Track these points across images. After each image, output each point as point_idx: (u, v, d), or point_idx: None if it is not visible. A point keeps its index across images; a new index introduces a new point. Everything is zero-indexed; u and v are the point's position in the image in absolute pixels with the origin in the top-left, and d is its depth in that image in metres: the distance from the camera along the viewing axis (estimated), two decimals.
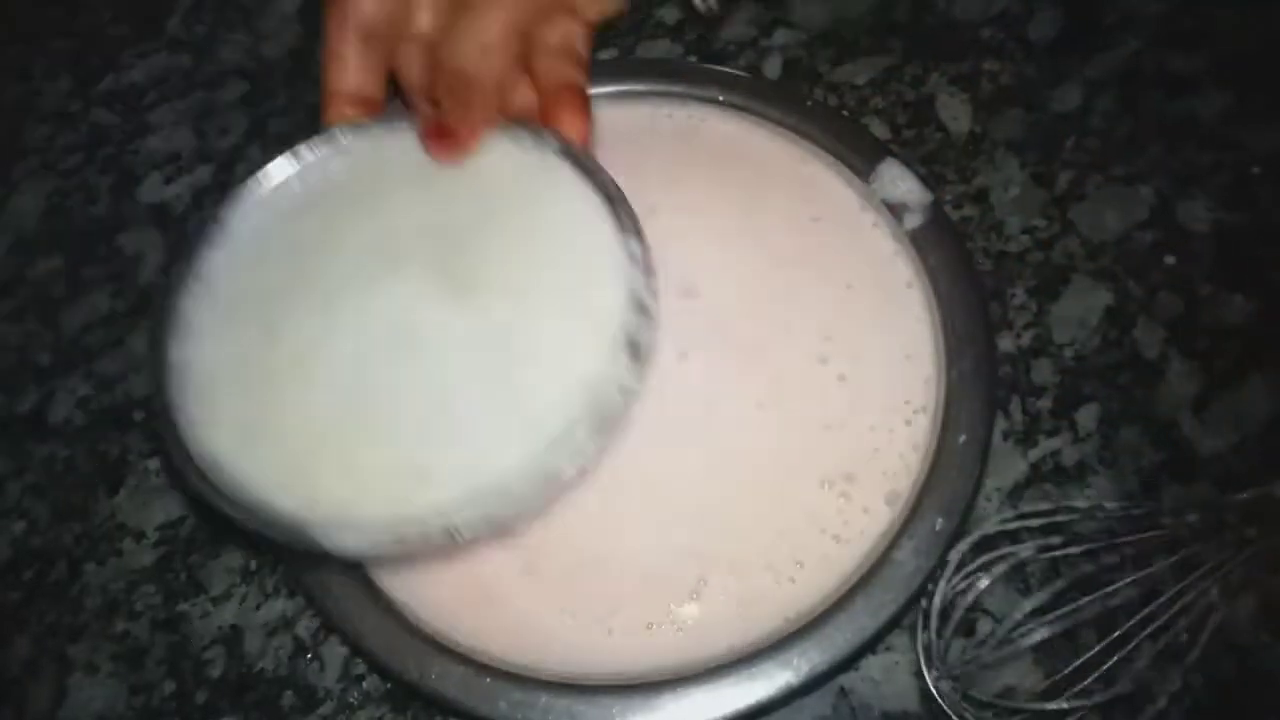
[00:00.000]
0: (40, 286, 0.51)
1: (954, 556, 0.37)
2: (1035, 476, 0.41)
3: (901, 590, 0.36)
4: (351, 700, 0.40)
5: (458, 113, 0.36)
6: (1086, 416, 0.42)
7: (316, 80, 0.55)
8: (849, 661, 0.36)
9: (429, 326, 0.34)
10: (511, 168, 0.36)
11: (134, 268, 0.51)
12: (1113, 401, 0.42)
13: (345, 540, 0.31)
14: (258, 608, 0.42)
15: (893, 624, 0.37)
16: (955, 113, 0.49)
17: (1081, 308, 0.44)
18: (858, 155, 0.43)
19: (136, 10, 0.59)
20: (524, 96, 0.38)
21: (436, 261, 0.35)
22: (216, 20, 0.58)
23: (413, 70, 0.38)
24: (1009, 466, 0.41)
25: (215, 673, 0.41)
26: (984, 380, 0.39)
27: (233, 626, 0.42)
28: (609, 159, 0.40)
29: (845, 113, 0.49)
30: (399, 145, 0.37)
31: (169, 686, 0.41)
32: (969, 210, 0.47)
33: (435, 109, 0.36)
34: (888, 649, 0.39)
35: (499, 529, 0.31)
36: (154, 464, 0.46)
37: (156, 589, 0.43)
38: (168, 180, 0.53)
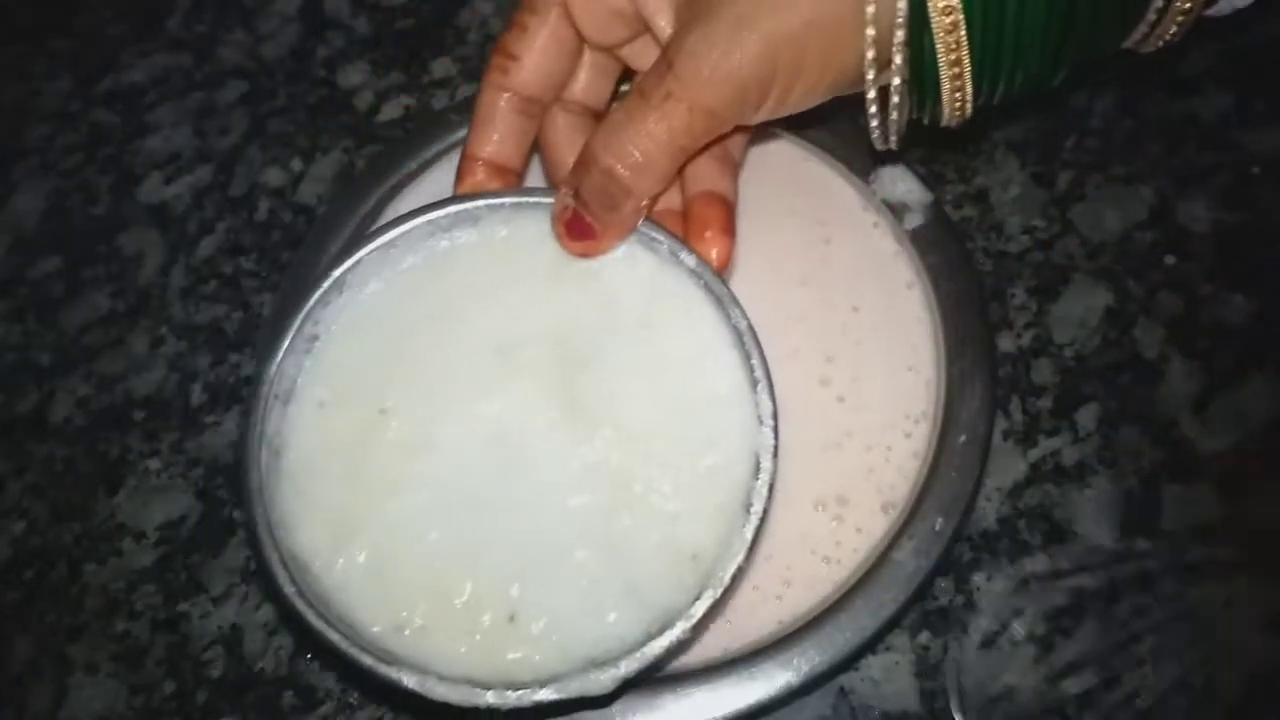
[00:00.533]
0: (40, 286, 0.51)
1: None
2: (1035, 476, 0.41)
3: (901, 590, 0.36)
4: (351, 700, 0.40)
5: (602, 215, 0.33)
6: (1086, 416, 0.42)
7: (316, 80, 0.55)
8: (849, 661, 0.36)
9: (539, 450, 0.32)
10: (642, 278, 0.34)
11: (134, 268, 0.51)
12: (1113, 401, 0.42)
13: (433, 689, 0.30)
14: (258, 608, 0.42)
15: (893, 624, 0.37)
16: None
17: (1081, 308, 0.44)
18: (858, 155, 0.43)
19: (136, 10, 0.59)
20: (667, 196, 0.35)
21: (555, 374, 0.33)
22: (216, 20, 0.58)
23: (561, 149, 0.36)
24: (1009, 466, 0.41)
25: (215, 673, 0.41)
26: (984, 380, 0.39)
27: (233, 626, 0.42)
28: None
29: (845, 113, 0.48)
30: (531, 226, 0.34)
31: (169, 686, 0.41)
32: (969, 210, 0.47)
33: (576, 200, 0.33)
34: (888, 649, 0.39)
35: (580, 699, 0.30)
36: (154, 464, 0.46)
37: (156, 589, 0.43)
38: (168, 180, 0.53)
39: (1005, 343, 0.44)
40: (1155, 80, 0.49)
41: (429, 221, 0.34)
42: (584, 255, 0.34)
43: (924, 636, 0.39)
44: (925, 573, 0.36)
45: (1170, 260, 0.45)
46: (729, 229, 0.34)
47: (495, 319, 0.33)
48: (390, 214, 0.45)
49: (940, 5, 0.28)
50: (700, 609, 0.29)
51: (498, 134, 0.36)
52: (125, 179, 0.54)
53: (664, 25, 0.33)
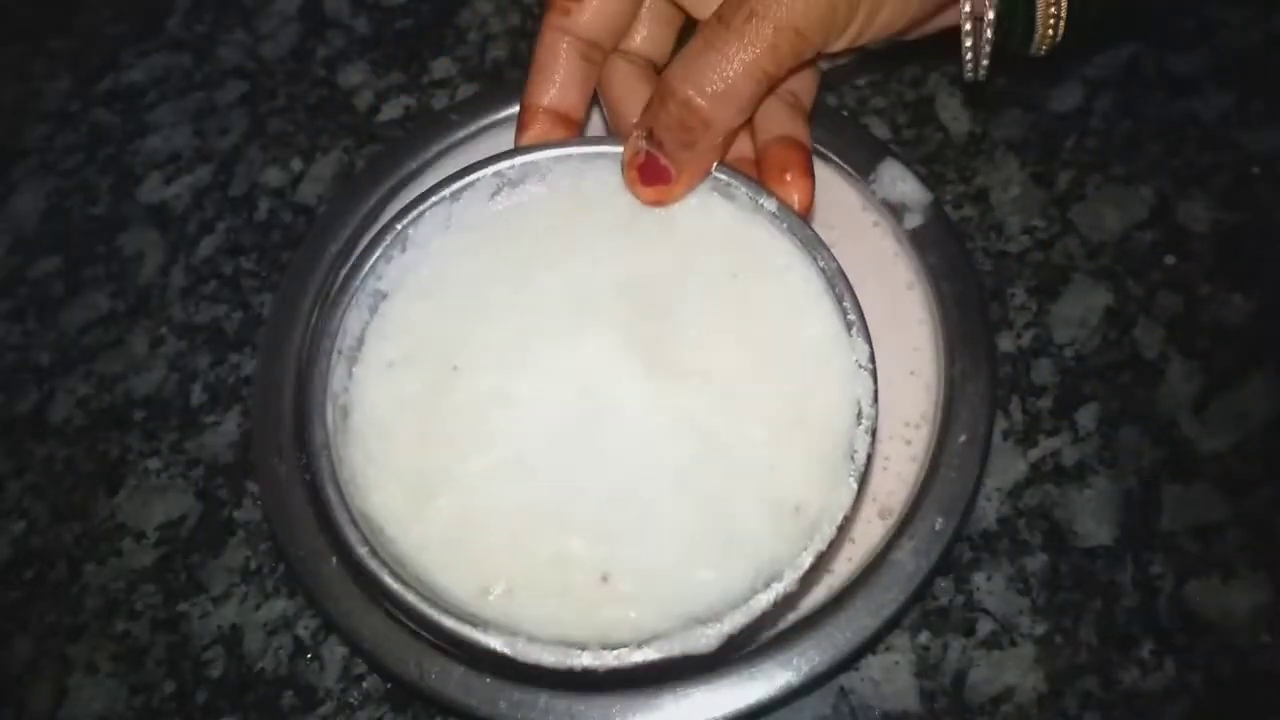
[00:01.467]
0: (40, 286, 0.51)
1: None
2: (1035, 476, 0.41)
3: (901, 590, 0.36)
4: (351, 700, 0.40)
5: (676, 153, 0.32)
6: (1086, 416, 0.42)
7: (316, 80, 0.55)
8: (849, 661, 0.36)
9: (624, 403, 0.31)
10: (720, 225, 0.33)
11: (134, 268, 0.51)
12: (1113, 401, 0.42)
13: (520, 651, 0.28)
14: (258, 608, 0.42)
15: (893, 624, 0.37)
16: (955, 113, 0.49)
17: (1081, 308, 0.44)
18: (858, 155, 0.43)
19: (136, 10, 0.59)
20: (739, 144, 0.34)
21: (635, 326, 0.32)
22: (216, 20, 0.58)
23: (625, 99, 0.34)
24: (1009, 466, 0.41)
25: (215, 673, 0.41)
26: (984, 379, 0.39)
27: (233, 626, 0.42)
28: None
29: (845, 113, 0.49)
30: (600, 177, 0.33)
31: (169, 686, 0.41)
32: (969, 210, 0.47)
33: (649, 142, 0.32)
34: (888, 649, 0.39)
35: (678, 659, 0.28)
36: (154, 464, 0.46)
37: (156, 589, 0.43)
38: (168, 180, 0.53)
39: (1005, 343, 0.44)
40: (1155, 80, 0.49)
41: (495, 174, 0.33)
42: (657, 202, 0.33)
43: (924, 636, 0.39)
44: (925, 573, 0.36)
45: (1170, 260, 0.45)
46: (809, 171, 0.33)
47: (568, 273, 0.32)
48: (390, 214, 0.45)
49: None
50: (808, 560, 0.28)
51: (559, 80, 0.34)
52: (125, 179, 0.54)
53: None
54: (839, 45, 0.32)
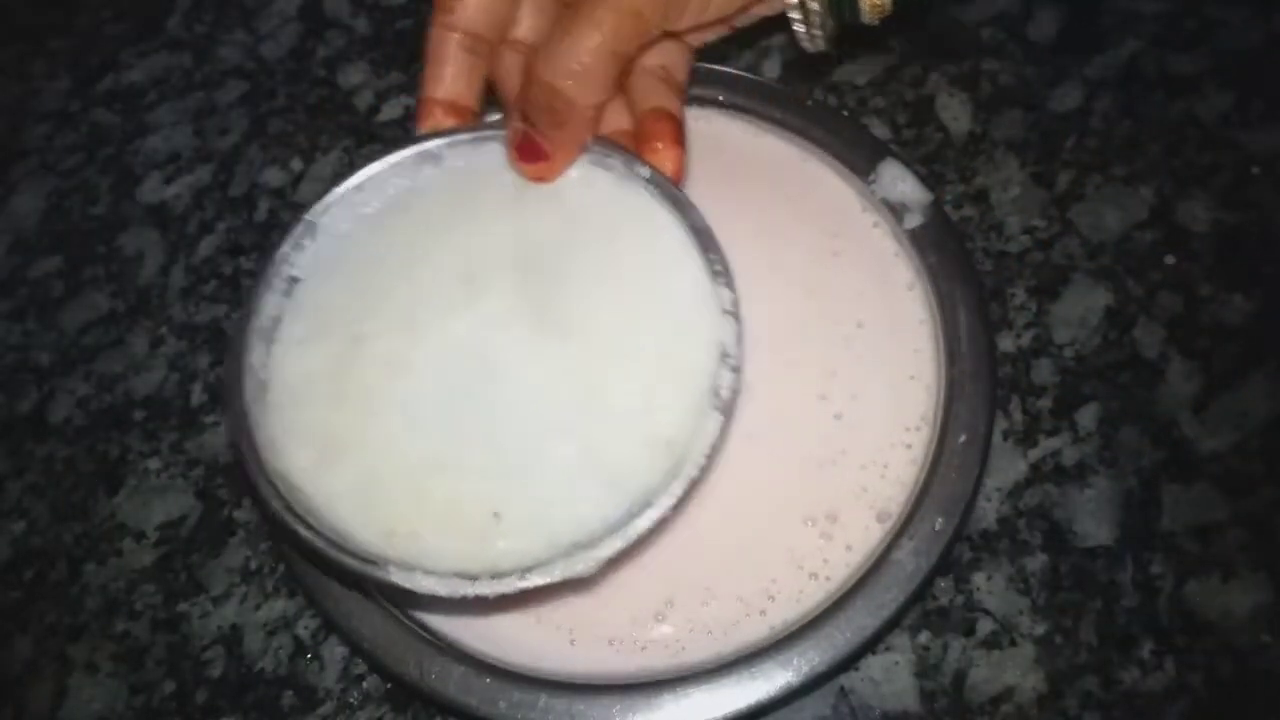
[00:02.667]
0: (40, 286, 0.51)
1: None
2: (1035, 476, 0.41)
3: (901, 590, 0.36)
4: (351, 700, 0.40)
5: (549, 132, 0.34)
6: (1086, 416, 0.42)
7: (316, 80, 0.55)
8: (849, 662, 0.36)
9: (510, 360, 0.33)
10: (601, 194, 0.35)
11: (134, 268, 0.51)
12: (1113, 401, 0.42)
13: (418, 582, 0.31)
14: (258, 608, 0.42)
15: (893, 624, 0.37)
16: (955, 113, 0.49)
17: (1081, 308, 0.44)
18: (858, 155, 0.43)
19: (136, 10, 0.59)
20: (617, 118, 0.37)
21: (521, 290, 0.34)
22: (216, 20, 0.58)
23: (511, 80, 0.37)
24: (1009, 466, 0.41)
25: (215, 673, 0.41)
26: (984, 380, 0.39)
27: (233, 626, 0.42)
28: None
29: (845, 113, 0.49)
30: (490, 158, 0.36)
31: (169, 686, 0.41)
32: (969, 210, 0.47)
33: (525, 123, 0.35)
34: (888, 649, 0.39)
35: (570, 582, 0.31)
36: (154, 464, 0.46)
37: (156, 589, 0.43)
38: (168, 180, 0.53)
39: (1005, 343, 0.44)
40: (1155, 80, 0.49)
41: (393, 165, 0.36)
42: (540, 178, 0.35)
43: (924, 636, 0.39)
44: (925, 573, 0.36)
45: (1170, 260, 0.45)
46: (678, 140, 0.36)
47: (461, 246, 0.35)
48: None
49: None
50: (679, 489, 0.31)
51: (448, 74, 0.37)
52: (125, 179, 0.54)
53: None
54: (682, 24, 0.35)
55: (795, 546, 0.37)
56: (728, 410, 0.32)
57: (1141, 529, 0.40)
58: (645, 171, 0.35)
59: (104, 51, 0.58)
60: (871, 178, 0.42)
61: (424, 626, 0.37)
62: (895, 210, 0.41)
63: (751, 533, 0.38)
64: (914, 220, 0.41)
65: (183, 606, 0.43)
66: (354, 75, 0.55)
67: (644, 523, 0.30)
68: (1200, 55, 0.49)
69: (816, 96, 0.50)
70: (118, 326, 0.49)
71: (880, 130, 0.49)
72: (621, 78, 0.35)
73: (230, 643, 0.42)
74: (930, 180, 0.45)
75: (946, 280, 0.40)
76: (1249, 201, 0.45)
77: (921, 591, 0.36)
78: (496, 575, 0.30)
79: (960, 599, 0.39)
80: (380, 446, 0.33)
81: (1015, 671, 0.38)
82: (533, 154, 0.35)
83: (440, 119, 0.37)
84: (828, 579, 0.37)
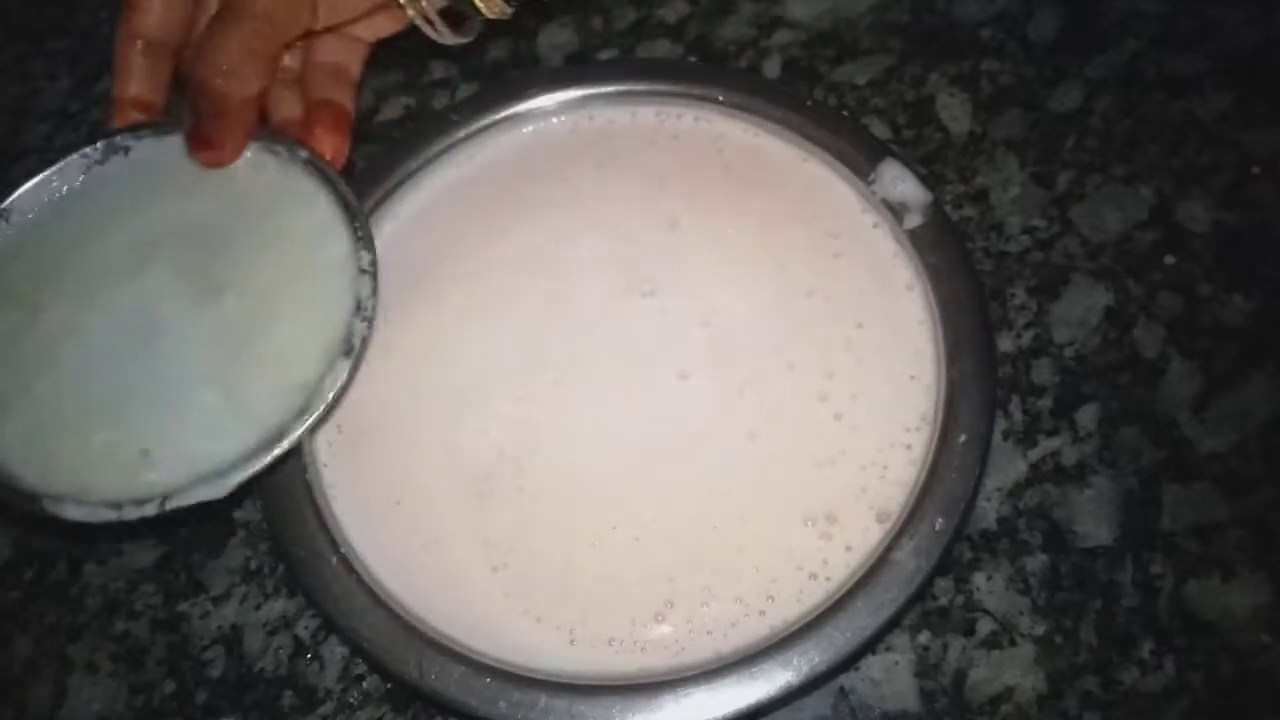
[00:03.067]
0: None
1: None
2: (1035, 476, 0.41)
3: (902, 590, 0.36)
4: (351, 700, 0.40)
5: (213, 123, 0.38)
6: (1086, 416, 0.42)
7: None
8: (849, 661, 0.36)
9: (171, 321, 0.38)
10: (266, 177, 0.40)
11: None
12: (1113, 401, 0.42)
13: (68, 511, 0.35)
14: (258, 608, 0.42)
15: (893, 624, 0.37)
16: (955, 113, 0.49)
17: (1081, 308, 0.44)
18: (858, 155, 0.43)
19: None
20: (290, 108, 0.42)
21: (187, 261, 0.39)
22: None
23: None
24: (1009, 466, 0.41)
25: (215, 673, 0.41)
26: (984, 379, 0.39)
27: (233, 626, 0.42)
28: (631, 164, 0.43)
29: (845, 113, 0.49)
30: (173, 149, 0.40)
31: (169, 686, 0.41)
32: (969, 210, 0.47)
33: (193, 115, 0.39)
34: (888, 649, 0.39)
35: (207, 507, 0.36)
36: None
37: (156, 589, 0.43)
38: None
39: (1005, 343, 0.44)
40: (1155, 80, 0.49)
41: (82, 155, 0.41)
42: (214, 164, 0.40)
43: (924, 636, 0.39)
44: (925, 573, 0.36)
45: (1170, 260, 0.45)
46: (339, 127, 0.41)
47: (136, 226, 0.40)
48: (388, 214, 0.45)
49: None
50: (303, 424, 0.36)
51: (134, 76, 0.41)
52: None
53: None
54: (319, 24, 0.39)
55: (795, 547, 0.37)
56: (356, 356, 0.36)
57: (1141, 529, 0.40)
58: (304, 154, 0.40)
59: (104, 51, 0.57)
60: (871, 178, 0.42)
61: (424, 626, 0.37)
62: (895, 210, 0.41)
63: (751, 533, 0.38)
64: (914, 220, 0.41)
65: (183, 606, 0.43)
66: None
67: (272, 453, 0.35)
68: (1200, 55, 0.49)
69: (816, 96, 0.50)
70: None
71: (880, 130, 0.49)
72: (279, 70, 0.41)
73: (230, 643, 0.42)
74: (930, 180, 0.45)
75: (946, 281, 0.40)
76: (1249, 201, 0.45)
77: (921, 591, 0.36)
78: (137, 502, 0.35)
79: (960, 599, 0.39)
80: (47, 400, 0.37)
81: (1015, 671, 0.38)
82: (202, 143, 0.39)
83: (130, 115, 0.41)
84: (828, 579, 0.37)
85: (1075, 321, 0.44)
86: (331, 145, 0.41)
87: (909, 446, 0.38)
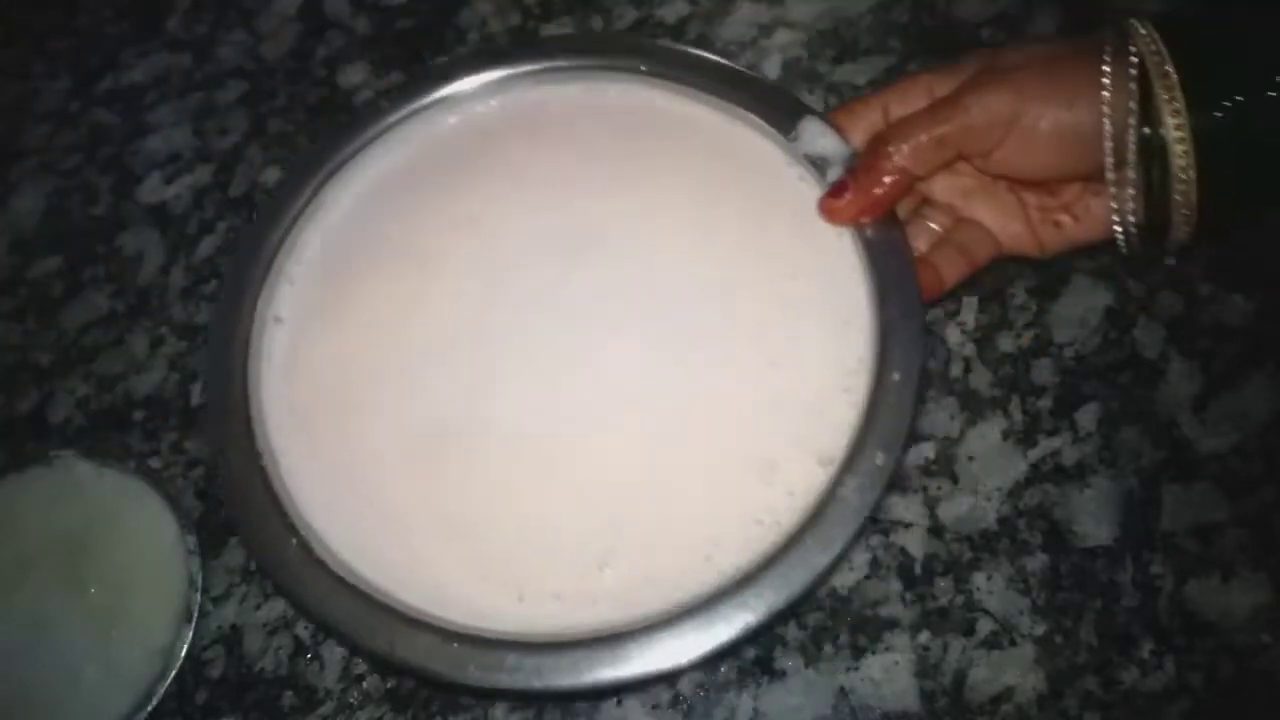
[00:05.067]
0: (40, 286, 0.51)
1: None
2: (1035, 476, 0.41)
3: (848, 525, 0.36)
4: (351, 700, 0.40)
5: (859, 174, 0.40)
6: (1086, 416, 0.42)
7: (316, 80, 0.55)
8: (804, 597, 0.37)
9: (54, 617, 0.42)
10: (108, 486, 0.44)
11: (134, 268, 0.51)
12: (1113, 401, 0.42)
13: None
14: (258, 608, 0.42)
15: (841, 558, 0.37)
16: None
17: (1081, 308, 0.44)
18: (779, 115, 0.44)
19: (136, 10, 0.59)
20: (921, 242, 0.42)
21: (59, 565, 0.43)
22: (216, 20, 0.58)
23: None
24: (1009, 466, 0.41)
25: (215, 673, 0.41)
26: (914, 318, 0.39)
27: (233, 626, 0.42)
28: (562, 138, 0.45)
29: (767, 78, 0.49)
30: (31, 479, 0.45)
31: (169, 686, 0.41)
32: None
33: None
34: (888, 649, 0.39)
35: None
36: (154, 464, 0.46)
37: None
38: (168, 180, 0.53)
39: (1005, 343, 0.44)
40: None
41: None
42: (831, 214, 0.41)
43: (924, 636, 0.39)
44: (870, 506, 0.36)
45: (1170, 260, 0.45)
46: (928, 285, 0.41)
47: (18, 543, 0.44)
48: (327, 199, 0.45)
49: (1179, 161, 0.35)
50: (165, 683, 0.41)
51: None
52: (125, 179, 0.54)
53: None
54: (988, 165, 0.39)
55: (738, 496, 0.38)
56: (195, 621, 0.42)
57: (1141, 529, 0.40)
58: (133, 464, 0.45)
59: (104, 51, 0.58)
60: (793, 135, 0.43)
61: (387, 599, 0.37)
62: (818, 165, 0.42)
63: (693, 485, 0.38)
64: (836, 173, 0.42)
65: None
66: (354, 75, 0.55)
67: (146, 710, 0.41)
68: None
69: (816, 97, 0.50)
70: (118, 326, 0.49)
71: None
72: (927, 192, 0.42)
73: (230, 643, 0.42)
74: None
75: (872, 226, 0.41)
76: None
77: (865, 527, 0.37)
78: None
79: (960, 599, 0.39)
80: None
81: (1015, 671, 0.38)
82: (837, 189, 0.40)
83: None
84: (776, 524, 0.37)
85: (1075, 321, 0.44)
86: (926, 287, 0.40)
87: (848, 390, 0.39)
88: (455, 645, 0.35)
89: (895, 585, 0.40)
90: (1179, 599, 0.39)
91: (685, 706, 0.39)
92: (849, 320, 0.40)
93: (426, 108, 0.46)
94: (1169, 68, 0.35)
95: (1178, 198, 0.35)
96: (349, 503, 0.39)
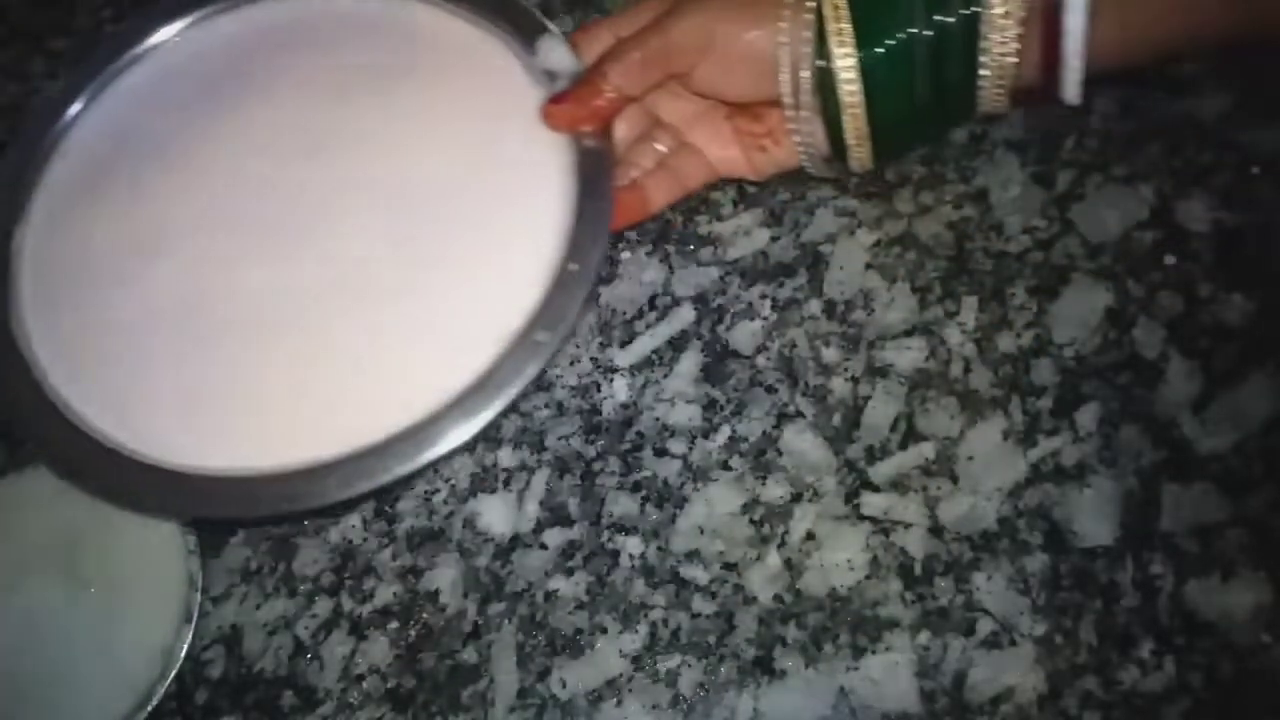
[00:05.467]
0: None
1: None
2: (1035, 476, 0.41)
3: (504, 392, 0.40)
4: (351, 700, 0.40)
5: (580, 88, 0.44)
6: (1086, 416, 0.42)
7: None
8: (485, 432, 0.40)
9: (53, 617, 0.42)
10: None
11: None
12: (1113, 401, 0.42)
13: None
14: (258, 608, 0.42)
15: (511, 409, 0.42)
16: None
17: (1081, 308, 0.44)
18: (522, 31, 0.47)
19: (137, 10, 0.59)
20: (636, 156, 0.47)
21: (57, 566, 0.43)
22: None
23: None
24: (1009, 466, 0.41)
25: (215, 673, 0.41)
26: (602, 221, 0.43)
27: (233, 626, 0.42)
28: (316, 50, 0.49)
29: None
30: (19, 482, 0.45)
31: (169, 686, 0.41)
32: (969, 210, 0.47)
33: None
34: (888, 649, 0.39)
35: None
36: None
37: None
38: None
39: (1005, 342, 0.44)
40: (1155, 80, 0.48)
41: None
42: (553, 120, 0.44)
43: (924, 636, 0.39)
44: (528, 379, 0.40)
45: (1170, 260, 0.45)
46: (630, 209, 0.46)
47: (14, 543, 0.45)
48: (88, 114, 0.49)
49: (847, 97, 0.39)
50: (165, 683, 0.41)
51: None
52: None
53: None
54: (694, 86, 0.43)
55: (430, 365, 0.41)
56: (195, 622, 0.42)
57: (1141, 529, 0.40)
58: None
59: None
60: (533, 51, 0.46)
61: (158, 462, 0.40)
62: (552, 78, 0.46)
63: (398, 359, 0.42)
64: (561, 84, 0.45)
65: None
66: None
67: (146, 710, 0.41)
68: (1200, 55, 0.49)
69: None
70: None
71: None
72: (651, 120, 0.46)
73: (230, 642, 0.42)
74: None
75: (589, 139, 0.44)
76: (1249, 201, 0.45)
77: (527, 391, 0.41)
78: None
79: (960, 599, 0.39)
80: None
81: (1015, 672, 0.38)
82: (558, 97, 0.43)
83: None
84: (453, 389, 0.40)
85: (1075, 321, 0.44)
86: (622, 213, 0.44)
87: (532, 282, 0.42)
88: (188, 489, 0.39)
89: (895, 585, 0.40)
90: (1179, 599, 0.39)
91: (685, 707, 0.39)
92: (549, 221, 0.44)
93: (189, 25, 0.51)
94: (840, 2, 0.38)
95: (847, 126, 0.40)
96: (95, 369, 0.43)
